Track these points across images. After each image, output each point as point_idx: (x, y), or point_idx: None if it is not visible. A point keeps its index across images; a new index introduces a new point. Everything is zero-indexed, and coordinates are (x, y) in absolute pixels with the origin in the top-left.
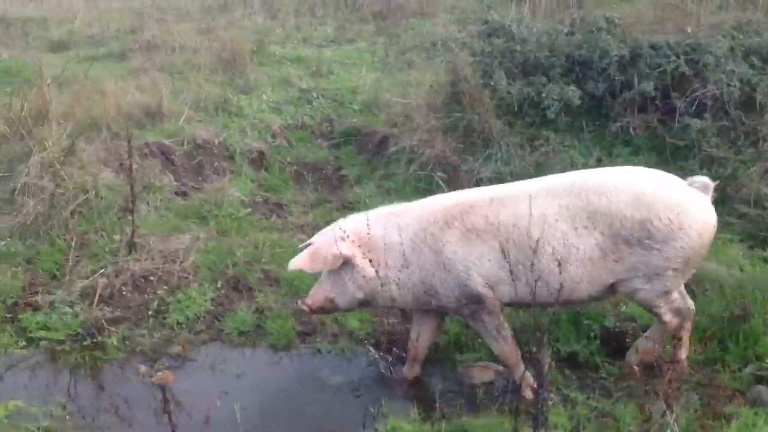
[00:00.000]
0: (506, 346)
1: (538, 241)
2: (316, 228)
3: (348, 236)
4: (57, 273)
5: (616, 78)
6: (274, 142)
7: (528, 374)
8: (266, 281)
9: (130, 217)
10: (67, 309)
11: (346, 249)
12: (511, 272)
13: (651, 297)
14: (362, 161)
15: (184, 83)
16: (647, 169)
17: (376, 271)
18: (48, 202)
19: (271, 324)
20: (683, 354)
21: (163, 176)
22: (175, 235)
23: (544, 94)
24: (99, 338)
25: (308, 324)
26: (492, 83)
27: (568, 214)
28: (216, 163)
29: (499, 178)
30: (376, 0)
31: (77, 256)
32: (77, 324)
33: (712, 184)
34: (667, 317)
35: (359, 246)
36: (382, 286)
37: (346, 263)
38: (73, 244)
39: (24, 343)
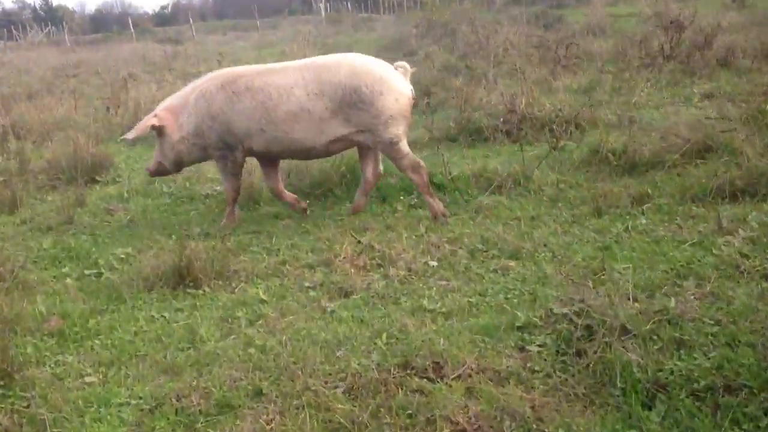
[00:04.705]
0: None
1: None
2: None
3: (158, 113)
4: None
5: None
6: None
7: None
8: None
9: None
10: None
11: (155, 120)
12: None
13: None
14: None
15: None
16: (361, 55)
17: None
18: None
19: None
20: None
21: None
22: None
23: None
24: None
25: None
26: None
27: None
28: None
29: None
30: None
31: None
32: None
33: (410, 70)
34: (408, 172)
35: (170, 117)
36: (183, 143)
37: (161, 133)
38: None
39: None
